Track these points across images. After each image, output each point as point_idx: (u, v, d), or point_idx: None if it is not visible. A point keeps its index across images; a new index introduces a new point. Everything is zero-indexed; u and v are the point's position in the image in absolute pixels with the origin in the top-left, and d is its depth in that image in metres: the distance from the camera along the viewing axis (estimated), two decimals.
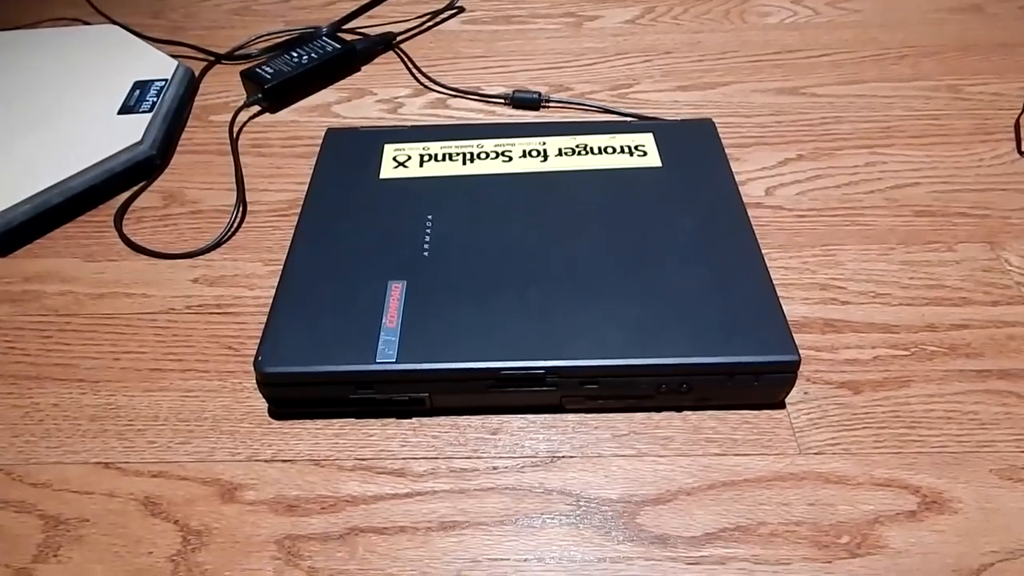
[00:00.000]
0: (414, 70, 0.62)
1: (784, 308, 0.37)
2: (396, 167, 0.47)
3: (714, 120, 0.50)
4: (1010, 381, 0.39)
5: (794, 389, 0.37)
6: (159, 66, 0.58)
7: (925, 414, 0.37)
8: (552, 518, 0.34)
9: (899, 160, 0.52)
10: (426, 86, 0.60)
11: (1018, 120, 0.54)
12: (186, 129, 0.57)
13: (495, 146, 0.48)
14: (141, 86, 0.56)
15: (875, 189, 0.50)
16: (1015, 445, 0.36)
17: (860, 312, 0.42)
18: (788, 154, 0.53)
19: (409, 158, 0.47)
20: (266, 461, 0.37)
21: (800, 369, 0.37)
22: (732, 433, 0.37)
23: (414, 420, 0.38)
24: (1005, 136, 0.54)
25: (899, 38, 0.64)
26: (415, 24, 0.67)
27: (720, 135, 0.48)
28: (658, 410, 0.38)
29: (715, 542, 0.33)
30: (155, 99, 0.55)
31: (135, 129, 0.52)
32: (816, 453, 0.36)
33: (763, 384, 0.36)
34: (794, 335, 0.36)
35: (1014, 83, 0.58)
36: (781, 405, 0.38)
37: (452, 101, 0.59)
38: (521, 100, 0.57)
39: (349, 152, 0.48)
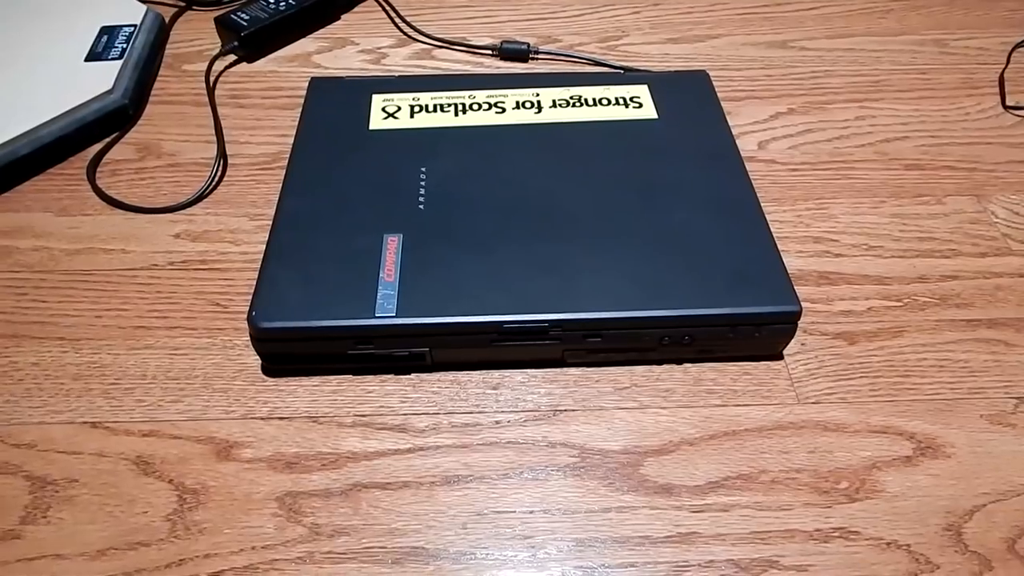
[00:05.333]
0: (397, 19, 0.59)
1: None
2: (386, 118, 0.45)
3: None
4: (998, 330, 0.39)
5: (792, 341, 0.38)
6: (127, 11, 0.55)
7: (918, 363, 0.38)
8: (556, 470, 0.34)
9: (888, 114, 0.52)
10: (410, 36, 0.58)
11: (1002, 75, 0.55)
12: (158, 78, 0.54)
13: (487, 97, 0.46)
14: (109, 32, 0.53)
15: (865, 143, 0.50)
16: (1004, 391, 0.37)
17: (854, 264, 0.42)
18: (779, 108, 0.53)
19: (399, 109, 0.46)
20: (262, 419, 0.36)
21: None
22: (732, 384, 0.37)
23: (413, 376, 0.37)
24: (990, 90, 0.54)
25: None
26: None
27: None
28: (659, 363, 0.38)
29: (718, 490, 0.33)
30: (124, 46, 0.52)
31: (105, 77, 0.49)
32: (814, 402, 0.36)
33: (764, 335, 0.36)
34: None
35: (998, 37, 0.58)
36: (779, 356, 0.38)
37: (437, 52, 0.57)
38: (509, 51, 0.56)
39: (336, 103, 0.46)
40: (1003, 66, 0.56)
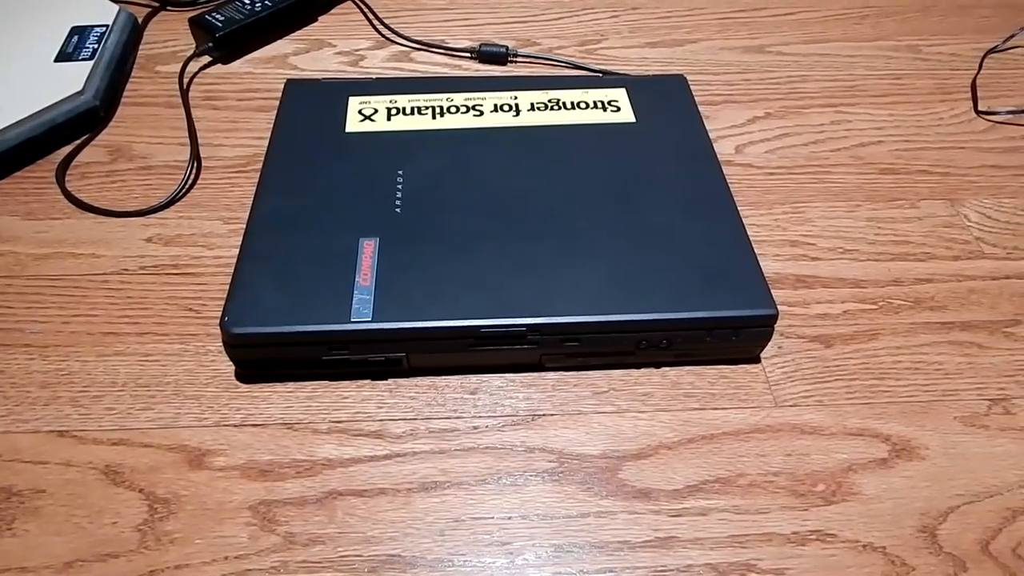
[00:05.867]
0: (375, 21, 0.59)
1: None
2: (362, 120, 0.45)
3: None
4: (971, 332, 0.40)
5: (769, 344, 0.38)
6: (98, 10, 0.54)
7: (893, 365, 0.38)
8: (535, 476, 0.34)
9: (863, 119, 0.53)
10: (388, 38, 0.58)
11: (974, 80, 0.56)
12: (131, 80, 0.53)
13: (465, 100, 0.46)
14: (79, 32, 0.52)
15: (841, 147, 0.50)
16: (977, 393, 0.37)
17: (830, 268, 0.43)
18: (756, 112, 0.53)
19: (376, 111, 0.45)
20: (235, 426, 0.35)
21: None
22: (710, 388, 0.37)
23: (390, 381, 0.37)
24: (963, 96, 0.55)
25: None
26: None
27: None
28: (637, 367, 0.38)
29: (696, 494, 0.33)
30: (95, 46, 0.51)
31: (75, 78, 0.48)
32: (791, 405, 0.37)
33: (742, 339, 0.36)
34: None
35: (970, 43, 0.59)
36: (757, 360, 0.38)
37: (416, 54, 0.57)
38: (488, 54, 0.56)
39: (312, 105, 0.46)
40: (975, 71, 0.56)
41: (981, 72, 0.56)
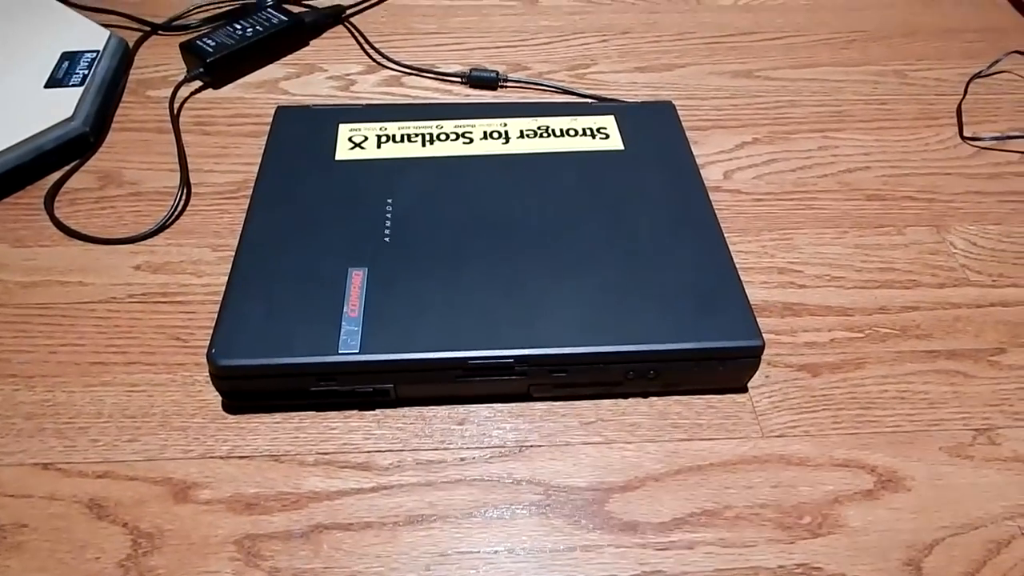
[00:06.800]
0: (366, 46, 0.59)
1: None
2: (352, 148, 0.45)
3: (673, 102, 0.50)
4: (957, 360, 0.40)
5: (756, 373, 0.38)
6: (89, 36, 0.54)
7: (879, 395, 0.38)
8: (521, 508, 0.34)
9: (850, 144, 0.53)
10: (379, 63, 0.58)
11: (959, 105, 0.56)
12: (121, 105, 0.53)
13: (455, 127, 0.46)
14: (70, 58, 0.52)
15: (828, 173, 0.51)
16: (963, 423, 0.37)
17: (817, 295, 0.43)
18: (745, 137, 0.53)
19: (366, 139, 0.45)
20: (222, 458, 0.35)
21: None
22: (697, 418, 0.37)
23: (378, 412, 0.37)
24: (948, 121, 0.55)
25: (848, 22, 0.65)
26: None
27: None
28: (625, 397, 0.38)
29: (683, 527, 0.33)
30: (86, 72, 0.51)
31: (65, 104, 0.48)
32: (778, 436, 0.37)
33: (728, 369, 0.36)
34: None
35: (956, 68, 0.60)
36: (744, 389, 0.38)
37: (407, 79, 0.57)
38: (479, 79, 0.56)
39: (302, 132, 0.46)
40: (961, 97, 0.57)
41: (966, 97, 0.57)
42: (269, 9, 0.59)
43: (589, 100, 0.55)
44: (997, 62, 0.60)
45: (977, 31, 0.64)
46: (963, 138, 0.54)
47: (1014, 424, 0.37)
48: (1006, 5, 0.68)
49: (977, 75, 0.59)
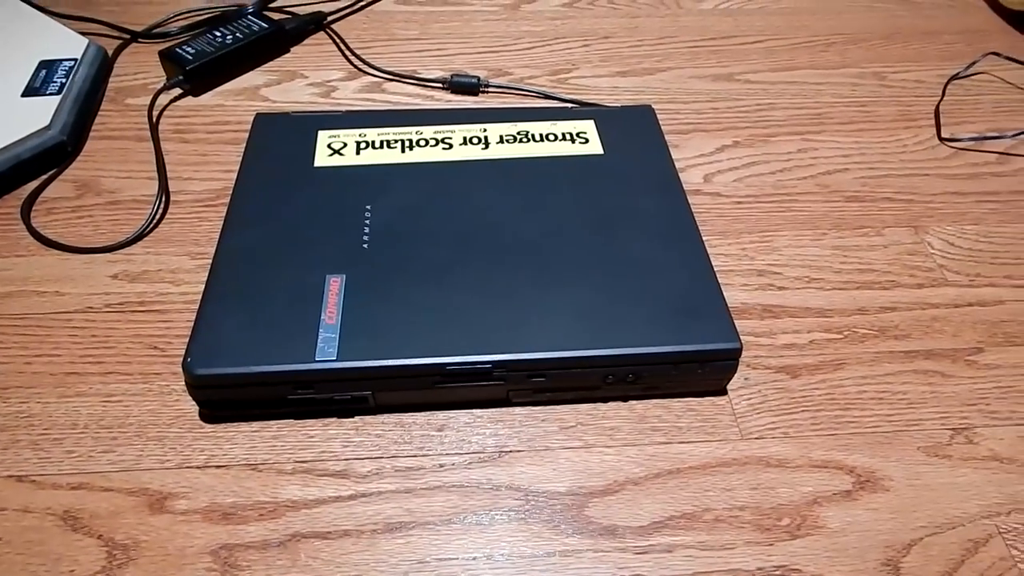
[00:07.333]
0: (347, 52, 0.59)
1: (725, 294, 0.38)
2: (331, 155, 0.45)
3: (653, 106, 0.50)
4: (935, 361, 0.40)
5: (735, 375, 0.38)
6: (67, 44, 0.54)
7: (858, 395, 0.39)
8: (501, 514, 0.34)
9: (829, 146, 0.53)
10: (360, 69, 0.58)
11: (938, 107, 0.57)
12: (100, 113, 0.53)
13: (434, 133, 0.46)
14: (47, 66, 0.52)
15: (807, 175, 0.51)
16: (940, 423, 0.38)
17: (796, 297, 0.43)
18: (725, 140, 0.54)
19: (345, 145, 0.45)
20: (198, 468, 0.35)
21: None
22: (676, 421, 0.37)
23: (356, 419, 0.37)
24: (927, 122, 0.56)
25: (828, 25, 0.65)
26: (347, 3, 0.65)
27: (659, 121, 0.48)
28: (604, 400, 0.38)
29: (662, 531, 0.33)
30: (64, 80, 0.51)
31: (42, 113, 0.48)
32: (757, 438, 0.37)
33: (707, 372, 0.36)
34: (735, 321, 0.37)
35: (934, 70, 0.60)
36: (723, 391, 0.38)
37: (388, 85, 0.57)
38: (460, 85, 0.56)
39: (280, 138, 0.46)
40: (939, 98, 0.58)
41: (944, 99, 0.57)
42: (249, 16, 0.58)
43: (570, 104, 0.55)
44: (975, 63, 0.61)
45: (956, 33, 0.65)
46: (941, 139, 0.54)
47: (991, 423, 0.38)
48: (984, 7, 0.68)
49: (955, 76, 0.59)
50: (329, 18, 0.62)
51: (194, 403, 0.37)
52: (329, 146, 0.45)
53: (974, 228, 0.48)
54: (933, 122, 0.56)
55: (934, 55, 0.62)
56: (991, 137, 0.54)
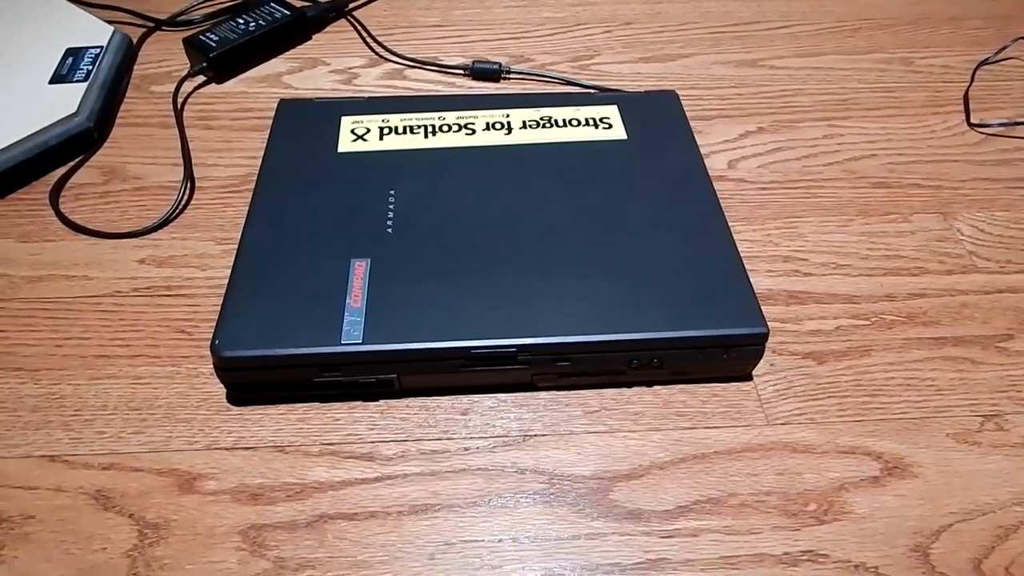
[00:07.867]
0: (368, 39, 0.59)
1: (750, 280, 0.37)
2: (355, 140, 0.45)
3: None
4: (964, 347, 0.40)
5: (761, 361, 0.38)
6: (93, 32, 0.55)
7: (886, 382, 0.38)
8: (525, 497, 0.34)
9: (856, 132, 0.53)
10: (381, 56, 0.58)
11: (967, 92, 0.56)
12: (125, 100, 0.54)
13: (457, 118, 0.46)
14: (74, 54, 0.52)
15: (833, 161, 0.50)
16: (969, 409, 0.37)
17: (822, 283, 0.43)
18: (749, 127, 0.53)
19: (368, 131, 0.45)
20: (227, 449, 0.35)
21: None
22: (702, 406, 0.37)
23: (381, 402, 0.37)
24: (955, 108, 0.55)
25: (854, 10, 0.64)
26: None
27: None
28: (629, 385, 0.38)
29: (688, 515, 0.33)
30: (90, 68, 0.51)
31: (69, 100, 0.48)
32: (783, 423, 0.36)
33: (733, 357, 0.36)
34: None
35: (962, 56, 0.59)
36: (749, 377, 0.38)
37: (409, 72, 0.57)
38: (481, 71, 0.56)
39: (304, 124, 0.46)
40: (968, 84, 0.57)
41: (973, 84, 0.56)
42: (271, 4, 0.59)
43: (592, 91, 0.54)
44: (1004, 48, 0.59)
45: (983, 18, 0.63)
46: (970, 125, 0.53)
47: (1022, 410, 0.37)
48: None
49: (984, 62, 0.58)
50: (350, 5, 0.63)
51: (221, 386, 0.37)
52: (352, 132, 0.45)
53: (1005, 215, 0.47)
54: (962, 108, 0.55)
55: (962, 40, 0.61)
56: (1022, 123, 0.53)
